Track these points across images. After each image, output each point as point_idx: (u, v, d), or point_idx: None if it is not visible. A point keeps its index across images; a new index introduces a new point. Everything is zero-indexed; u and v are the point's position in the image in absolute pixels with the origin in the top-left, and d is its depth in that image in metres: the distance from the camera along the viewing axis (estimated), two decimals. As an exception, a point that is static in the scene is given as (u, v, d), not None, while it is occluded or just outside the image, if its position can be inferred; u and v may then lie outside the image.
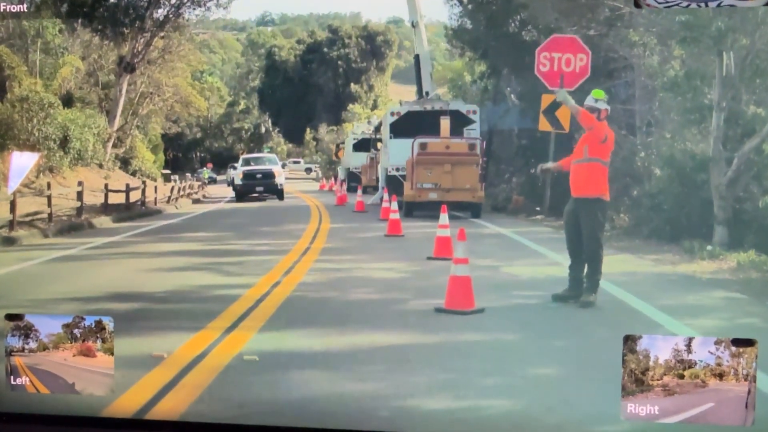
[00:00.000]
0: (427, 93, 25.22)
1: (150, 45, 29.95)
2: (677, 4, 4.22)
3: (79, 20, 28.57)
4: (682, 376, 3.83)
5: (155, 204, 26.37)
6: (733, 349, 3.80)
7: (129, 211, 22.41)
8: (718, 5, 4.28)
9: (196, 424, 4.78)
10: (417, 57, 26.73)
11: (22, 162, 8.88)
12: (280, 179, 29.70)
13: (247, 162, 31.73)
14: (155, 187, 28.58)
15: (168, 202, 28.41)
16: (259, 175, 29.50)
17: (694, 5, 4.29)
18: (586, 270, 8.33)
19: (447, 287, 7.89)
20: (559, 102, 8.98)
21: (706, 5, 4.33)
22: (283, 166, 33.09)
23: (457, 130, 21.09)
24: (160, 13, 29.41)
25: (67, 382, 4.50)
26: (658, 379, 3.85)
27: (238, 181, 29.97)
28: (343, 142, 39.71)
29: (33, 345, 4.51)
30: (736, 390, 3.79)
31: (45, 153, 22.46)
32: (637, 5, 4.25)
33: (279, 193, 29.71)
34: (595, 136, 8.22)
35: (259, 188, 29.40)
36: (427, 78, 25.62)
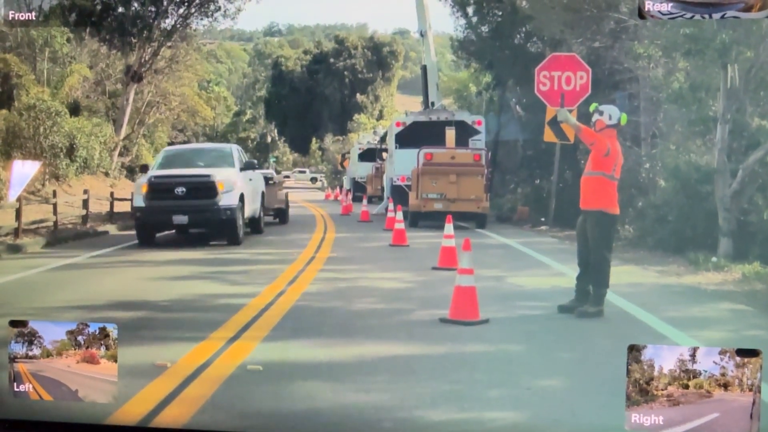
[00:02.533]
0: (432, 103, 25.26)
1: (157, 54, 30.06)
2: (681, 16, 4.25)
3: (87, 29, 28.72)
4: (686, 386, 3.82)
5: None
6: (738, 359, 3.79)
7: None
8: (722, 17, 4.30)
9: (200, 433, 4.78)
10: (424, 67, 26.79)
11: (24, 170, 8.89)
12: (228, 198, 14.87)
13: (169, 160, 16.62)
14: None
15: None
16: (180, 190, 14.79)
17: (698, 17, 4.31)
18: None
19: (452, 297, 7.88)
20: (561, 121, 8.96)
21: (710, 17, 4.36)
22: (251, 165, 17.55)
23: (462, 141, 21.12)
24: (167, 22, 29.54)
25: (71, 389, 4.50)
26: (662, 389, 3.84)
27: (139, 202, 15.17)
28: (348, 152, 39.77)
29: (37, 352, 4.52)
30: (741, 400, 3.78)
31: (51, 161, 22.52)
32: (642, 16, 4.28)
33: (229, 227, 15.02)
34: (598, 150, 8.25)
35: (180, 218, 14.75)
36: (434, 88, 25.66)
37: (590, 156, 8.44)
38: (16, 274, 11.63)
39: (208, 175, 15.09)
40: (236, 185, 15.15)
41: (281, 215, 21.01)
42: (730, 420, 3.79)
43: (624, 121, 8.38)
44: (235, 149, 17.45)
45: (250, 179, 16.53)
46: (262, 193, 17.87)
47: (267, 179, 18.89)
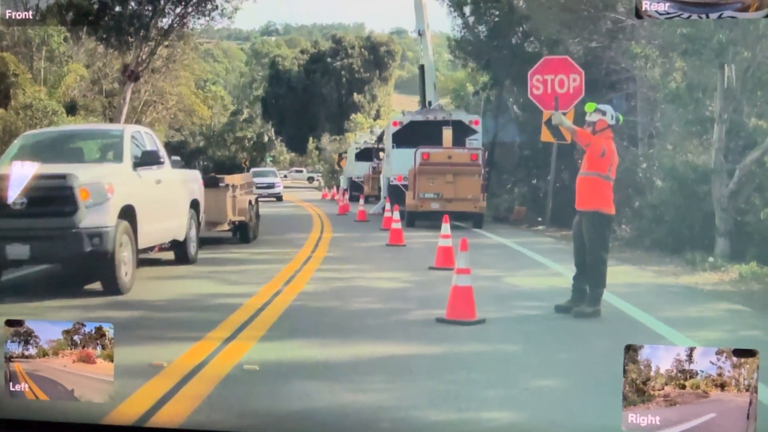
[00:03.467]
0: (429, 103, 25.24)
1: (154, 54, 30.00)
2: (678, 15, 4.25)
3: (84, 29, 28.70)
4: (683, 387, 3.82)
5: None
6: (735, 359, 3.79)
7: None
8: (719, 17, 4.31)
9: (196, 432, 4.78)
10: (421, 67, 26.77)
11: (23, 171, 8.75)
12: (97, 215, 8.99)
13: (27, 152, 10.38)
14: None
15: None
16: (18, 201, 8.72)
17: (695, 16, 4.31)
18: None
19: (449, 297, 7.87)
20: (555, 124, 8.97)
21: (707, 17, 4.36)
22: (152, 158, 10.59)
23: (459, 140, 21.13)
24: (164, 22, 29.46)
25: (67, 389, 4.49)
26: (659, 390, 3.84)
27: None
28: (345, 152, 39.74)
29: (32, 351, 4.50)
30: (738, 401, 3.78)
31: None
32: (639, 16, 4.28)
33: (99, 264, 9.22)
34: (593, 151, 8.25)
35: (17, 249, 8.88)
36: (431, 88, 25.62)
37: (585, 156, 8.44)
38: (13, 273, 11.59)
39: (63, 176, 9.00)
40: (112, 192, 9.21)
41: (243, 231, 15.35)
42: (726, 420, 3.79)
43: (621, 121, 8.44)
44: (130, 133, 10.79)
45: (158, 181, 10.68)
46: (194, 202, 12.36)
47: (212, 180, 14.19)
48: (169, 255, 12.31)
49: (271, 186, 32.82)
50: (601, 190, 8.25)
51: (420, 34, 26.37)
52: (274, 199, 32.29)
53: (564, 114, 9.27)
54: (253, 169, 34.44)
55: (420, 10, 26.07)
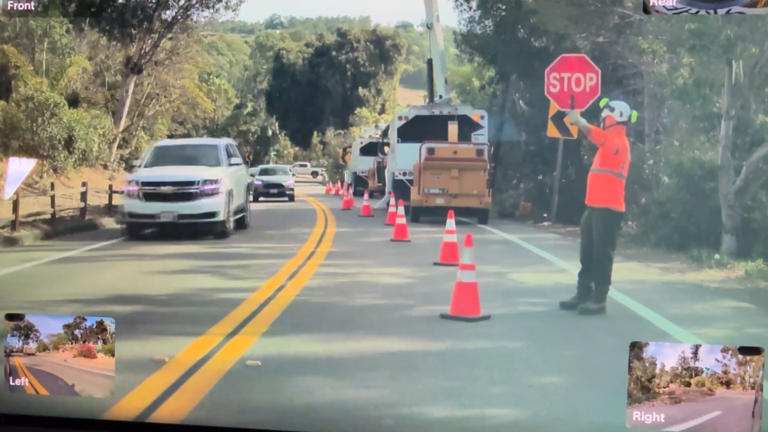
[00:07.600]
0: (440, 96, 25.09)
1: (157, 46, 29.97)
2: (686, 11, 4.21)
3: (87, 20, 28.65)
4: (688, 384, 3.79)
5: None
6: (740, 357, 3.76)
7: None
8: (727, 12, 4.27)
9: (198, 428, 4.74)
10: (429, 61, 26.68)
11: (20, 167, 8.83)
12: None
13: None
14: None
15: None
16: None
17: (702, 12, 4.27)
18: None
19: (453, 293, 7.84)
20: (572, 123, 8.89)
21: (715, 12, 4.32)
22: None
23: (464, 135, 21.06)
24: (168, 14, 29.42)
25: (67, 383, 4.46)
26: (664, 387, 3.81)
27: None
28: (350, 146, 39.69)
29: (33, 345, 4.47)
30: (743, 399, 3.75)
31: (49, 153, 22.43)
32: (646, 11, 4.24)
33: None
34: (607, 148, 8.20)
35: None
36: (441, 81, 25.46)
37: (598, 153, 8.38)
38: (13, 267, 11.59)
39: None
40: None
41: None
42: (731, 418, 3.76)
43: (634, 118, 8.32)
44: None
45: None
46: None
47: None
48: (171, 249, 12.30)
49: (280, 188, 29.36)
50: (614, 187, 8.21)
51: (429, 27, 26.27)
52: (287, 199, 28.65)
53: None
54: (260, 167, 32.63)
55: (429, 2, 25.96)
